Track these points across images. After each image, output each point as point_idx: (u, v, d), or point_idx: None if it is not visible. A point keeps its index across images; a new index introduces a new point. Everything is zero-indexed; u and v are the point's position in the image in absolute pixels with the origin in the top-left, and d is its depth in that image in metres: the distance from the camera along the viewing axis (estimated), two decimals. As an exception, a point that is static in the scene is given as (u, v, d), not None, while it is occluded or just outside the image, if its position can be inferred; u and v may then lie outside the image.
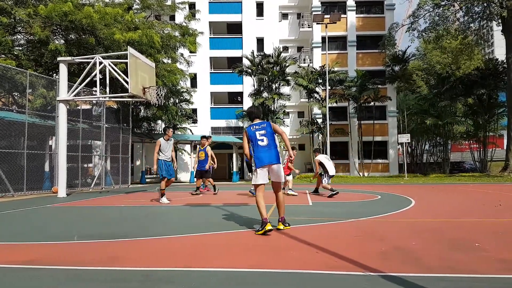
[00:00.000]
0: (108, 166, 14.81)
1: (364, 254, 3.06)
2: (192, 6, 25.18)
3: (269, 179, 4.32)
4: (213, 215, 5.75)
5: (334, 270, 2.59)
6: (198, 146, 10.50)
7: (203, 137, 10.27)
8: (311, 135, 25.19)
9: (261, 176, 4.24)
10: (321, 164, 9.32)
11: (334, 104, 24.87)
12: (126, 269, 2.69)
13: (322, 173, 9.27)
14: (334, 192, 8.78)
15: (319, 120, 25.31)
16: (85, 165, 15.07)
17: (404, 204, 7.06)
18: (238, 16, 28.06)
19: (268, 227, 3.95)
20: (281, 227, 4.25)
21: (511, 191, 10.36)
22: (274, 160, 4.24)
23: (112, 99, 13.78)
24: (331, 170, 9.25)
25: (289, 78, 24.24)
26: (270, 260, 2.92)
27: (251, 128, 4.44)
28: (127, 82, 9.14)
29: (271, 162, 4.22)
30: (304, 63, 28.11)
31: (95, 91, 11.33)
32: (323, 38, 24.80)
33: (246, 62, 24.65)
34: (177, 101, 21.99)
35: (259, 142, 4.29)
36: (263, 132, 4.36)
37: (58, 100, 10.21)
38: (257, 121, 4.53)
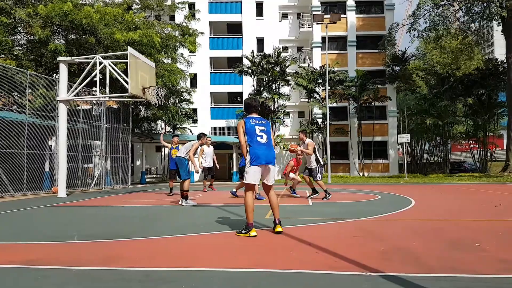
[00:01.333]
0: (108, 166, 14.80)
1: (364, 254, 3.06)
2: (192, 6, 25.18)
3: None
4: (213, 215, 5.75)
5: (334, 270, 2.59)
6: (170, 145, 10.12)
7: (174, 135, 10.02)
8: (311, 135, 25.20)
9: (254, 174, 3.94)
10: (314, 152, 7.83)
11: (334, 104, 24.88)
12: (126, 269, 2.69)
13: (313, 167, 7.90)
14: (326, 196, 7.82)
15: (319, 120, 25.31)
16: (85, 165, 15.06)
17: (404, 204, 7.06)
18: (238, 16, 28.06)
19: (253, 232, 3.83)
20: (280, 229, 3.98)
21: (511, 191, 10.36)
22: (272, 162, 4.02)
23: (112, 99, 13.78)
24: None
25: (289, 78, 24.24)
26: (270, 260, 2.92)
27: (250, 120, 4.06)
28: (127, 82, 9.13)
29: (269, 162, 3.99)
30: (304, 63, 28.11)
31: (95, 91, 11.33)
32: (323, 38, 24.81)
33: (246, 62, 24.65)
34: (177, 101, 21.99)
35: (259, 138, 3.98)
36: (263, 128, 4.05)
37: (58, 100, 10.21)
38: (255, 115, 4.19)
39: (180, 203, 7.43)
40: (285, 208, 6.38)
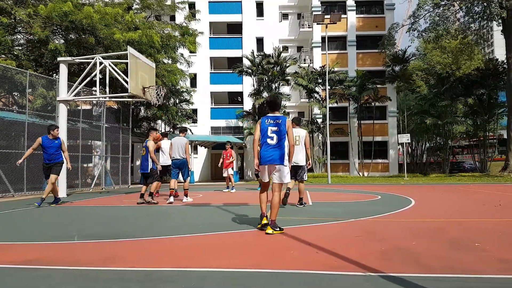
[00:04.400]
0: (108, 166, 14.80)
1: (364, 254, 3.06)
2: (192, 6, 25.20)
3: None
4: (213, 215, 5.75)
5: (334, 270, 2.59)
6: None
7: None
8: (311, 135, 25.20)
9: (261, 173, 4.23)
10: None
11: (334, 104, 24.89)
12: (126, 269, 2.69)
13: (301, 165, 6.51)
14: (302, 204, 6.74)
15: (319, 120, 25.32)
16: (85, 165, 15.06)
17: (404, 204, 7.06)
18: (238, 16, 28.05)
19: (264, 221, 4.15)
20: (270, 231, 3.92)
21: (511, 191, 10.36)
22: (276, 161, 4.09)
23: (112, 99, 13.79)
24: None
25: (289, 78, 24.25)
26: (270, 260, 2.92)
27: (266, 120, 4.19)
28: (127, 82, 9.14)
29: (272, 162, 4.10)
30: (304, 63, 28.12)
31: (95, 91, 11.34)
32: (323, 38, 24.80)
33: (246, 62, 24.65)
34: (177, 101, 21.99)
35: (268, 140, 4.11)
36: (275, 128, 4.12)
37: (58, 100, 10.21)
38: (272, 114, 4.24)
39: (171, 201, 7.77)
40: (286, 208, 6.37)
